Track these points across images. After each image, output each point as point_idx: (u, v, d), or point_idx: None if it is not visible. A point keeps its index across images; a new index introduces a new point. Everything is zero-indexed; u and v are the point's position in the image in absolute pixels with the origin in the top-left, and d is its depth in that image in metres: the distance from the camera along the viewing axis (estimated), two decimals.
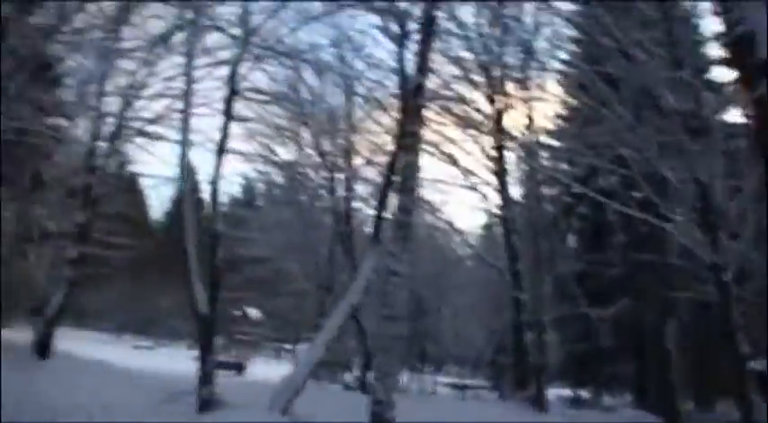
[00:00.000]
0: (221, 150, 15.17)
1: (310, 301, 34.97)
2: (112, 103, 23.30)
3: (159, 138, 23.58)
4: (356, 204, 30.33)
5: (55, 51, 23.68)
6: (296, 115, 30.23)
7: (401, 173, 12.62)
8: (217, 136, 15.48)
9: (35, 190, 25.94)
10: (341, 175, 30.45)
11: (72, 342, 27.42)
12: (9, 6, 16.84)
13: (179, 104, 19.14)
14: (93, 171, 22.52)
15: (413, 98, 12.65)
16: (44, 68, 24.28)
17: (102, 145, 23.23)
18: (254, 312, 42.88)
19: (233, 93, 15.83)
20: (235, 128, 17.56)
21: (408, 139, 12.48)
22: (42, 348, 20.73)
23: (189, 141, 14.94)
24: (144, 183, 42.89)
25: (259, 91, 18.77)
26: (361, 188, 30.56)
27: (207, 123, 18.01)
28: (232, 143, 21.14)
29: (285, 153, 32.86)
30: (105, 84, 22.80)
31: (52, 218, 23.83)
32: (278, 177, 37.50)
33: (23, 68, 16.34)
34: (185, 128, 14.90)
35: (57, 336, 21.73)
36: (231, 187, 68.10)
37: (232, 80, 15.90)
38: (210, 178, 14.90)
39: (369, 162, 30.45)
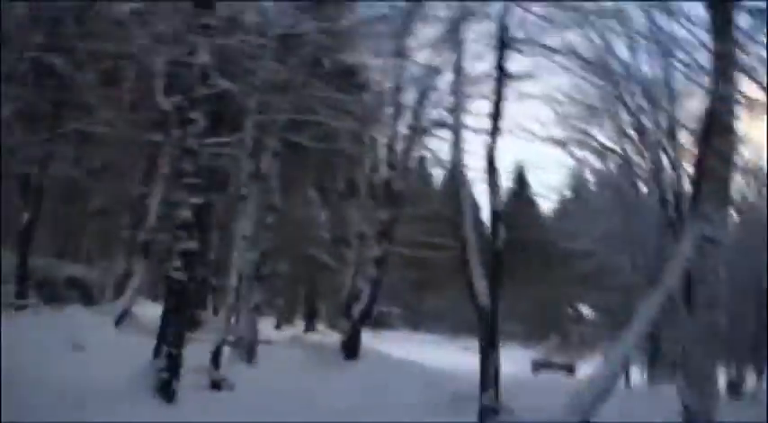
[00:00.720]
0: (496, 116, 13.69)
1: (638, 296, 32.20)
2: (410, 99, 23.04)
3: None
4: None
5: (357, 58, 24.15)
6: (609, 93, 28.19)
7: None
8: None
9: (350, 194, 26.68)
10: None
11: (396, 344, 27.72)
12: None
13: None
14: (394, 168, 22.29)
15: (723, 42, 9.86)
16: (348, 75, 24.92)
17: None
18: (585, 310, 40.83)
19: (502, 45, 14.16)
20: (546, 111, 15.65)
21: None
22: (349, 349, 20.90)
23: (462, 122, 13.78)
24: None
25: (535, 42, 15.08)
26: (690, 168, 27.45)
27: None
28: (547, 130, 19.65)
29: (601, 136, 30.89)
30: (402, 80, 22.62)
31: (365, 220, 24.08)
32: (597, 163, 35.31)
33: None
34: (458, 106, 13.81)
35: (366, 336, 21.86)
36: (558, 178, 66.90)
37: (501, 26, 14.18)
38: (487, 151, 13.46)
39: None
